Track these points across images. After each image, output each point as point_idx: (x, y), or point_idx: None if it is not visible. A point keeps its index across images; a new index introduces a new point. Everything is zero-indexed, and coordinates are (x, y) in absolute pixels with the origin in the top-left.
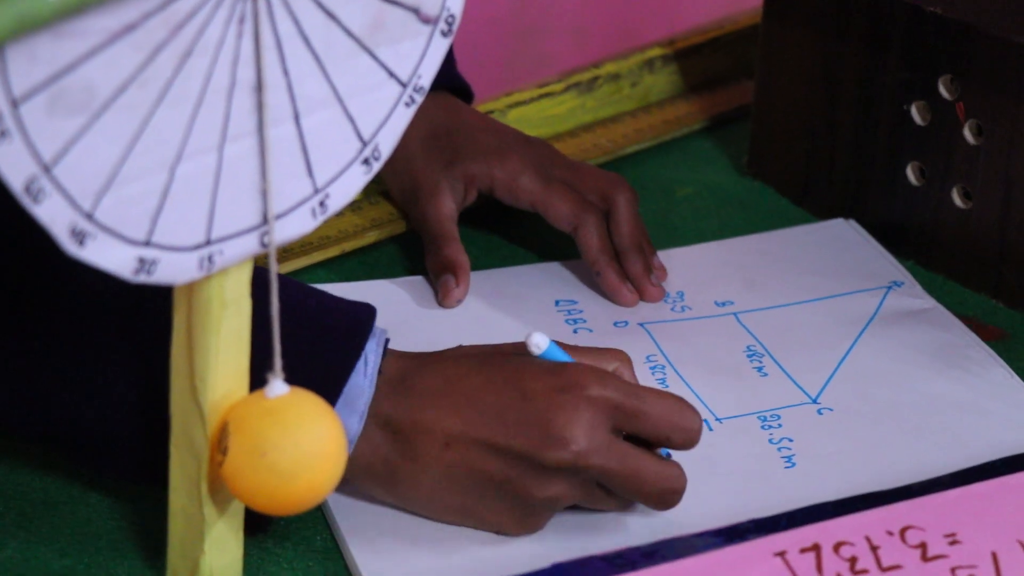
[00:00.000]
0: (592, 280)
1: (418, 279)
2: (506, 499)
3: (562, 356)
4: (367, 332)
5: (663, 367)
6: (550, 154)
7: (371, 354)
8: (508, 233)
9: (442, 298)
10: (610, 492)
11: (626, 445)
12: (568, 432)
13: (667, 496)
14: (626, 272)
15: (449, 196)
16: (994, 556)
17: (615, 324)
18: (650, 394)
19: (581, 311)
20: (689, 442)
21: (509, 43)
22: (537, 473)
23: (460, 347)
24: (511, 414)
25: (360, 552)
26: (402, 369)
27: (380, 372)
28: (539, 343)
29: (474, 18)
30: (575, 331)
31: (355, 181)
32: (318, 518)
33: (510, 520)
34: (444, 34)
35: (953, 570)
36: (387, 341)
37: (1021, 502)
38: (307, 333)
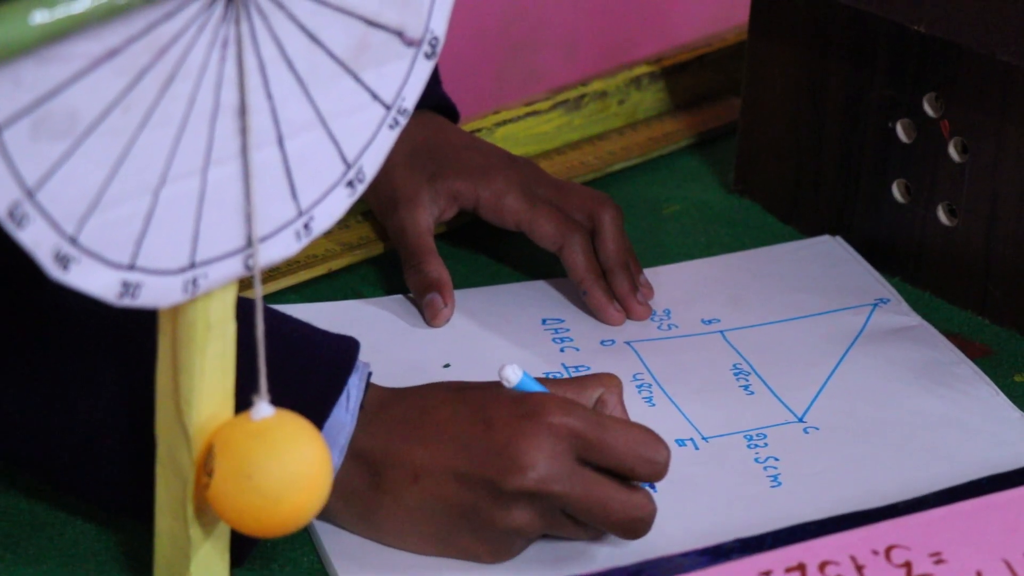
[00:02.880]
0: (579, 298)
1: (399, 298)
2: (475, 528)
3: (536, 387)
4: (350, 366)
5: (649, 385)
6: (535, 174)
7: (353, 388)
8: (494, 251)
9: (431, 318)
10: (578, 521)
11: (590, 473)
12: (528, 459)
13: (634, 525)
14: (612, 291)
15: (427, 208)
16: (979, 575)
17: (602, 342)
18: (615, 424)
19: (568, 329)
20: (654, 474)
21: (499, 58)
22: (500, 501)
23: (437, 383)
24: (474, 443)
25: (345, 573)
26: (380, 403)
27: (361, 407)
28: (510, 377)
29: (463, 33)
30: (562, 349)
31: (339, 203)
32: (304, 539)
33: (482, 549)
34: (428, 56)
35: None
36: (369, 375)
37: (1006, 521)
38: (291, 365)
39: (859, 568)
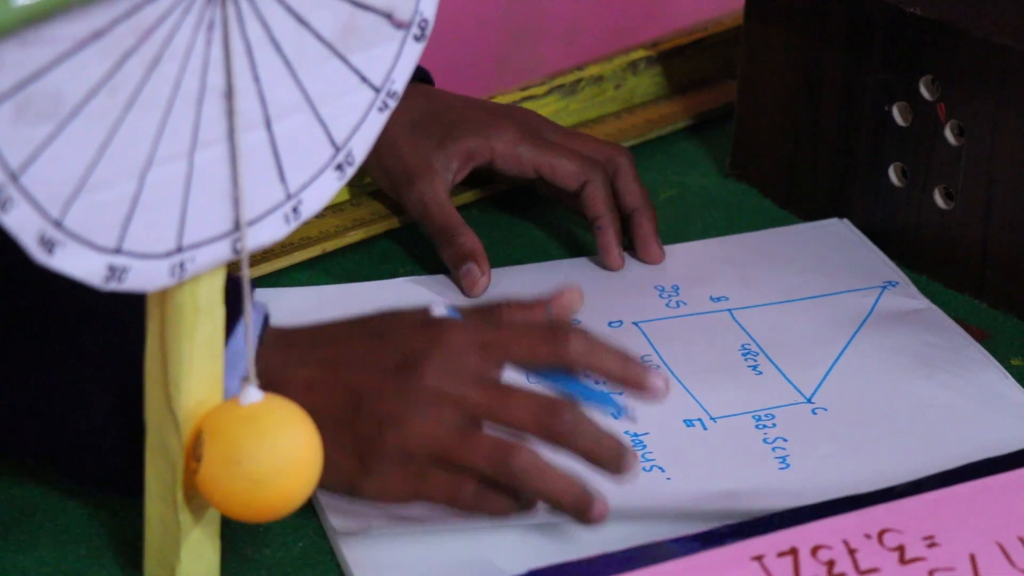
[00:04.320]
0: (587, 280)
1: (397, 281)
2: (358, 441)
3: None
4: (244, 300)
5: (657, 367)
6: (540, 120)
7: (252, 323)
8: (500, 234)
9: (469, 288)
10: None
11: (495, 380)
12: (423, 363)
13: (549, 425)
14: (635, 229)
15: (442, 176)
16: (972, 558)
17: (609, 324)
18: (512, 321)
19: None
20: (562, 355)
21: (500, 45)
22: (391, 407)
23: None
24: (367, 356)
25: (353, 556)
26: (281, 335)
27: (263, 339)
28: (439, 312)
29: (465, 20)
30: None
31: (328, 187)
32: (297, 524)
33: (354, 461)
34: (417, 39)
35: (931, 572)
36: (267, 316)
37: (1000, 504)
38: None
39: (852, 552)
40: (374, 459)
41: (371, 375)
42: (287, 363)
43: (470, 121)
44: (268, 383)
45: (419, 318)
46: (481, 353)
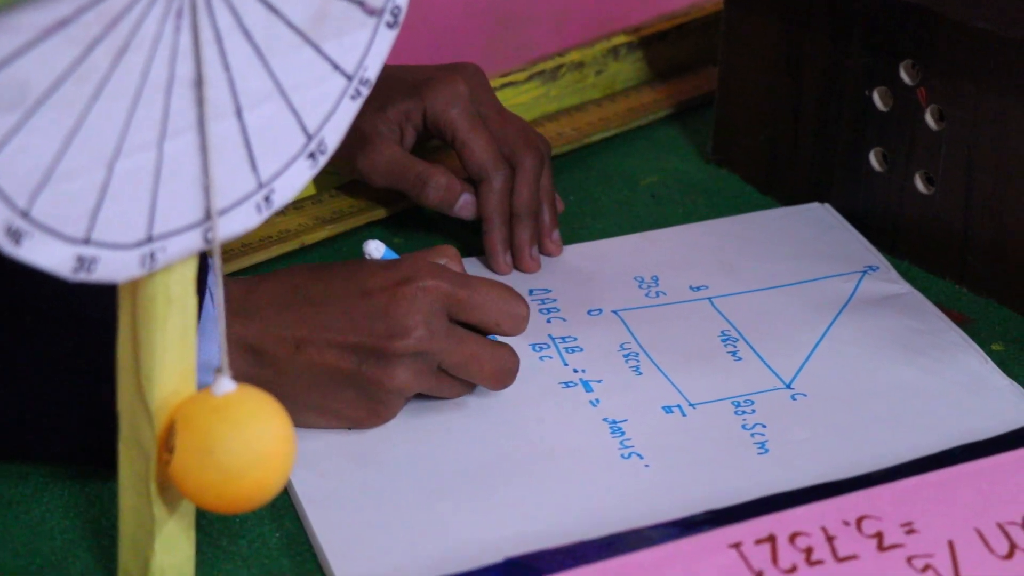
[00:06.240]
0: (565, 269)
1: None
2: (358, 391)
3: (395, 256)
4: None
5: (636, 355)
6: (480, 84)
7: (213, 287)
8: (472, 226)
9: (472, 214)
10: (451, 378)
11: (462, 331)
12: (410, 321)
13: (502, 376)
14: (512, 237)
15: (394, 140)
16: (951, 545)
17: (588, 312)
18: (480, 284)
19: (555, 300)
20: (516, 328)
21: (487, 32)
22: (385, 363)
23: (296, 265)
24: (354, 311)
25: (330, 546)
26: (243, 291)
27: (226, 300)
28: (373, 252)
29: (452, 7)
30: (548, 320)
31: (300, 175)
32: (273, 514)
33: (363, 411)
34: (390, 26)
35: (909, 559)
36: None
37: (978, 490)
38: None
39: (830, 539)
40: (383, 397)
41: (360, 333)
42: (264, 322)
43: (406, 82)
44: (251, 343)
45: (389, 270)
46: (450, 311)
